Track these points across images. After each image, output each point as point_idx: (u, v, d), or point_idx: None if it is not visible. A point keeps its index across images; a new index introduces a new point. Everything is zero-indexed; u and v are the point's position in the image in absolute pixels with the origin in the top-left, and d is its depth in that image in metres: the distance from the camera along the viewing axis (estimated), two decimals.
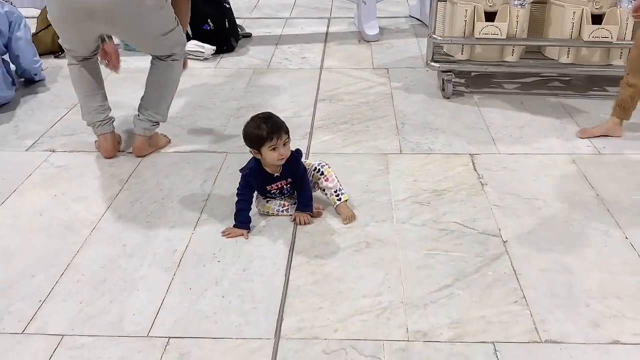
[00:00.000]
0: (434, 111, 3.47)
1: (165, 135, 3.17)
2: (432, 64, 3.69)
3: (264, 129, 2.26)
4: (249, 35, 4.93)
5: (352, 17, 5.25)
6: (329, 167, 2.52)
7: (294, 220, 2.43)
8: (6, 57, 3.73)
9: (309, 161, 2.58)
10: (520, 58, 3.69)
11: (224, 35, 4.38)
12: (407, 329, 1.90)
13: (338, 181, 2.49)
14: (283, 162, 2.34)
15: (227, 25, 4.59)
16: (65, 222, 2.47)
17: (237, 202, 2.40)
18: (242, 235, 2.37)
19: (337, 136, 3.19)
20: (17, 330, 1.91)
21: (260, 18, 5.47)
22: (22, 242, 2.35)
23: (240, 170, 2.41)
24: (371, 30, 4.80)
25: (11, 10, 3.75)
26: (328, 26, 5.20)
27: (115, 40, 3.24)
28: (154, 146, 3.07)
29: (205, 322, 1.94)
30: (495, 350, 1.81)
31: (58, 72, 4.13)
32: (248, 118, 3.48)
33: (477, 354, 1.79)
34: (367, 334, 1.88)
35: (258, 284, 2.11)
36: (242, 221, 2.40)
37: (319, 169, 2.50)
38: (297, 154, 2.44)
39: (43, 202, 2.62)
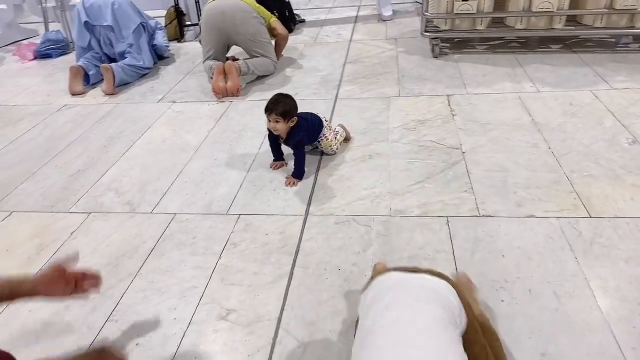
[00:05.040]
0: (426, 67, 3.32)
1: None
2: (425, 33, 3.50)
3: (267, 105, 2.07)
4: (303, 21, 4.77)
5: (374, 4, 4.99)
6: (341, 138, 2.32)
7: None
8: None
9: (331, 126, 2.29)
10: (487, 27, 3.43)
11: (285, 21, 4.26)
12: (390, 208, 1.91)
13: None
14: (276, 132, 2.11)
15: (287, 14, 4.45)
16: (180, 146, 2.56)
17: (270, 145, 2.26)
18: (283, 165, 2.26)
19: (356, 86, 3.10)
20: (148, 210, 2.05)
21: (312, 8, 5.27)
22: (153, 159, 2.46)
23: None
24: (387, 12, 4.53)
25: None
26: (358, 11, 4.97)
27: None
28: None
29: (262, 205, 2.01)
30: (448, 222, 1.81)
31: (179, 52, 4.16)
32: (299, 77, 3.44)
33: (434, 224, 1.80)
34: (363, 212, 1.90)
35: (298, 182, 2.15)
36: (276, 156, 2.27)
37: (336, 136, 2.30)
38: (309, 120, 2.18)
39: (167, 134, 2.71)
